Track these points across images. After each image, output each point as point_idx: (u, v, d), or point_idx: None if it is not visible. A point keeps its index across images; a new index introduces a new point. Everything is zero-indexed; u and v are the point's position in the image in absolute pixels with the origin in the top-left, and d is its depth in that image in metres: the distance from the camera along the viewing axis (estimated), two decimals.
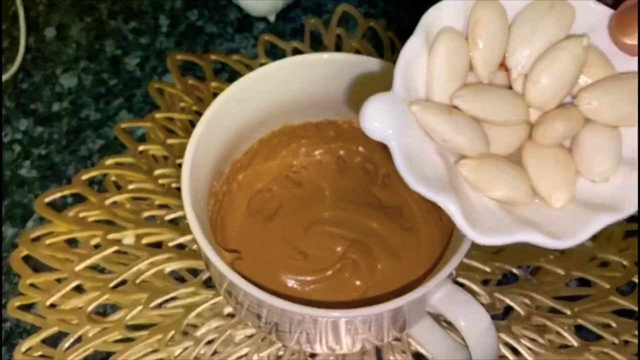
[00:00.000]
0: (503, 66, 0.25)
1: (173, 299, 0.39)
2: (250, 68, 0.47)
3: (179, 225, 0.41)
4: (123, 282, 0.39)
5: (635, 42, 0.22)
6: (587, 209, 0.23)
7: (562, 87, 0.24)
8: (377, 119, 0.22)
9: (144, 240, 0.40)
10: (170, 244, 0.40)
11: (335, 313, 0.29)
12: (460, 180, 0.24)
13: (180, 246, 0.40)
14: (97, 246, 0.40)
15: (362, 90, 0.34)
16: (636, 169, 0.24)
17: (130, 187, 0.42)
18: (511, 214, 0.24)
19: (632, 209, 0.23)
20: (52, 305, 0.38)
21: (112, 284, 0.39)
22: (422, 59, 0.24)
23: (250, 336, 0.38)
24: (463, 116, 0.24)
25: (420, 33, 0.24)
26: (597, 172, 0.24)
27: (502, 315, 0.39)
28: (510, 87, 0.25)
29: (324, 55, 0.35)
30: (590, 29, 0.24)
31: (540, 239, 0.23)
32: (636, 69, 0.24)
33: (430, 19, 0.24)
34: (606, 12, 0.24)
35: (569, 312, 0.38)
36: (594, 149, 0.24)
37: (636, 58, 0.24)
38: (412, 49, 0.24)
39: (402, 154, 0.22)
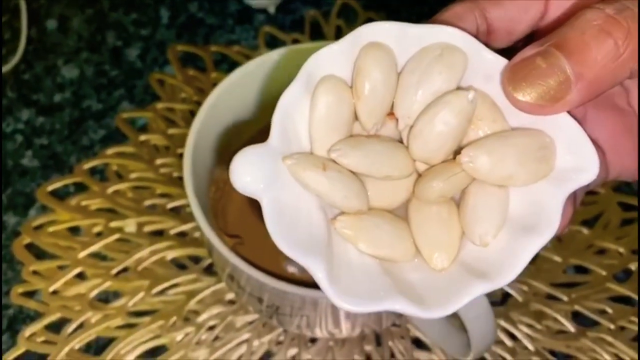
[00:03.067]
0: (393, 115, 0.23)
1: (174, 285, 0.39)
2: (250, 59, 0.47)
3: (180, 213, 0.42)
4: (125, 270, 0.40)
5: (527, 98, 0.20)
6: (469, 273, 0.21)
7: (446, 141, 0.22)
8: (248, 173, 0.21)
9: (146, 229, 0.41)
10: (172, 231, 0.41)
11: None
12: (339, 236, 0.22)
13: (181, 234, 0.41)
14: (99, 234, 0.41)
15: None
16: (522, 234, 0.21)
17: (132, 176, 0.43)
18: (388, 274, 0.22)
19: (506, 280, 0.21)
20: (55, 292, 0.39)
21: (114, 271, 0.39)
22: (304, 109, 0.22)
23: (251, 322, 0.38)
24: (339, 171, 0.22)
25: (300, 80, 0.22)
26: (477, 235, 0.22)
27: (500, 302, 0.39)
28: (401, 138, 0.23)
29: (324, 44, 0.35)
30: (486, 77, 0.22)
31: (407, 308, 0.21)
32: (529, 123, 0.22)
33: (312, 65, 0.22)
34: (501, 62, 0.21)
35: (566, 299, 0.39)
36: (477, 209, 0.22)
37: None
38: (291, 98, 0.21)
39: (274, 212, 0.21)
